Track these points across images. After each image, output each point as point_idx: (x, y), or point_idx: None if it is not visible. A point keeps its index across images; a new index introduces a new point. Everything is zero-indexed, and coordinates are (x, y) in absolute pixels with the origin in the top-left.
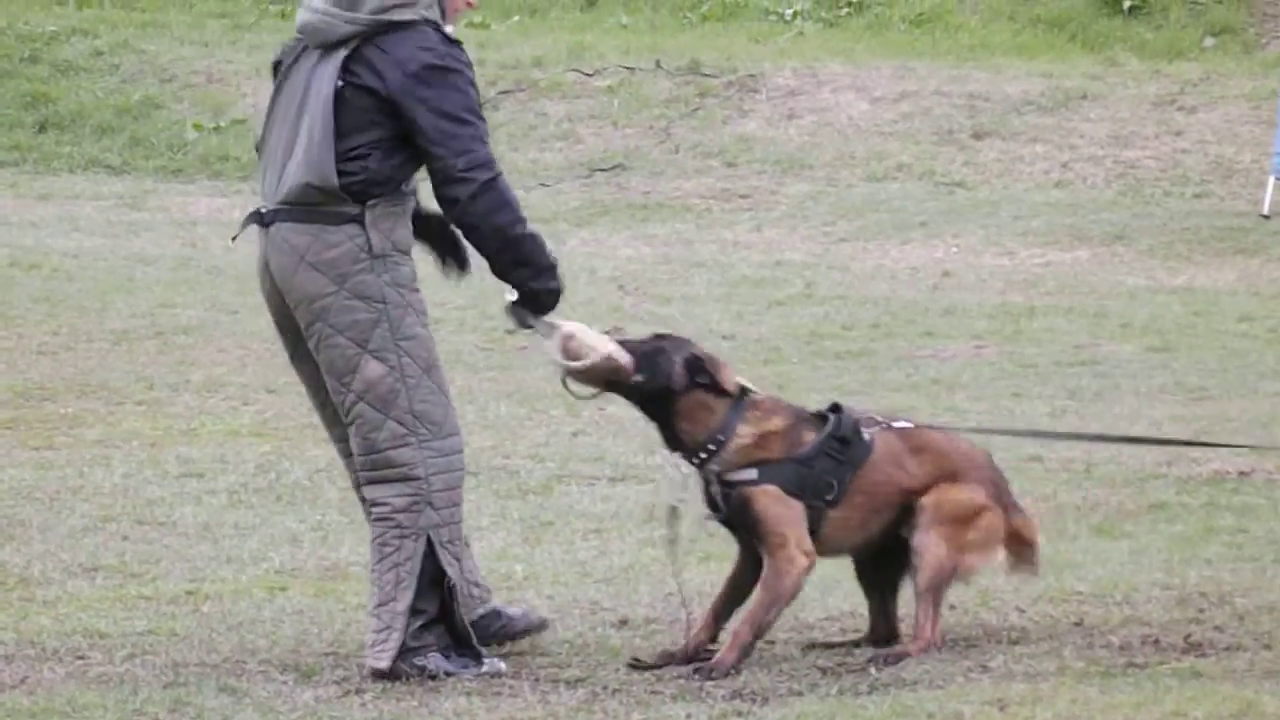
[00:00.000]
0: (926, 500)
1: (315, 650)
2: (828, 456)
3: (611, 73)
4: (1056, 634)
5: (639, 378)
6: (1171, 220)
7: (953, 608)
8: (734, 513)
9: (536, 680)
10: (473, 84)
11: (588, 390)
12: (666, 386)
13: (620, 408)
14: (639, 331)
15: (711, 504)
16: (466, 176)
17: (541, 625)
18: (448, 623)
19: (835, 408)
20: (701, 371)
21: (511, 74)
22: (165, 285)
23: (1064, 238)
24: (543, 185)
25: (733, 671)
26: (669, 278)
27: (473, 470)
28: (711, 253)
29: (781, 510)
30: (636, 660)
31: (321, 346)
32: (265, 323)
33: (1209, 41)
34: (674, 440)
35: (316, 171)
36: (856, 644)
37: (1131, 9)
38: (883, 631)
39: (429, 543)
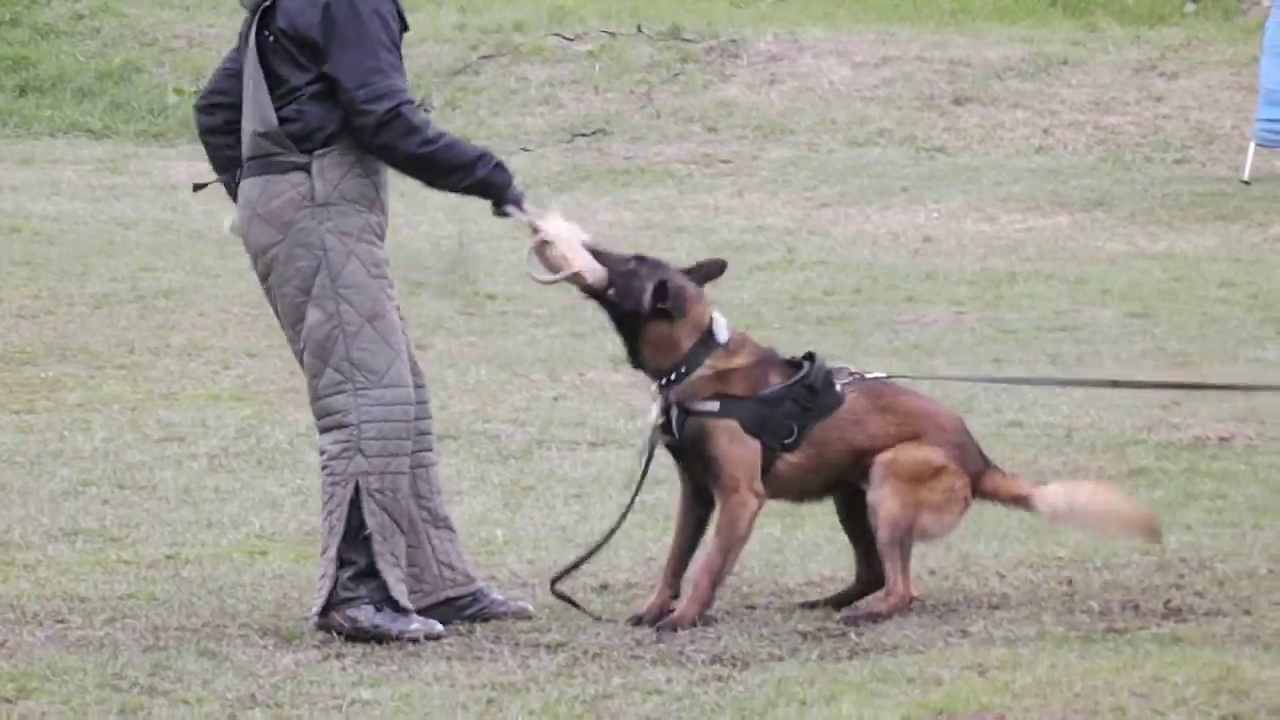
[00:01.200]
0: (882, 457)
1: (295, 615)
2: (793, 401)
3: (593, 37)
4: (1036, 599)
5: (609, 293)
6: (1152, 186)
7: (933, 573)
8: (688, 441)
9: (517, 645)
10: (381, 15)
11: (549, 277)
12: (634, 309)
13: (600, 374)
14: None
15: (667, 427)
16: (366, 109)
17: (523, 615)
18: (374, 574)
19: (810, 356)
20: (668, 298)
21: (492, 38)
22: (146, 249)
23: (1045, 203)
24: (524, 150)
25: (696, 623)
26: (650, 243)
27: (453, 434)
28: (693, 218)
29: (738, 450)
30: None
31: (275, 297)
32: (246, 286)
33: (1190, 7)
34: (637, 360)
35: (260, 118)
36: (847, 594)
37: None
38: (867, 578)
39: (355, 489)
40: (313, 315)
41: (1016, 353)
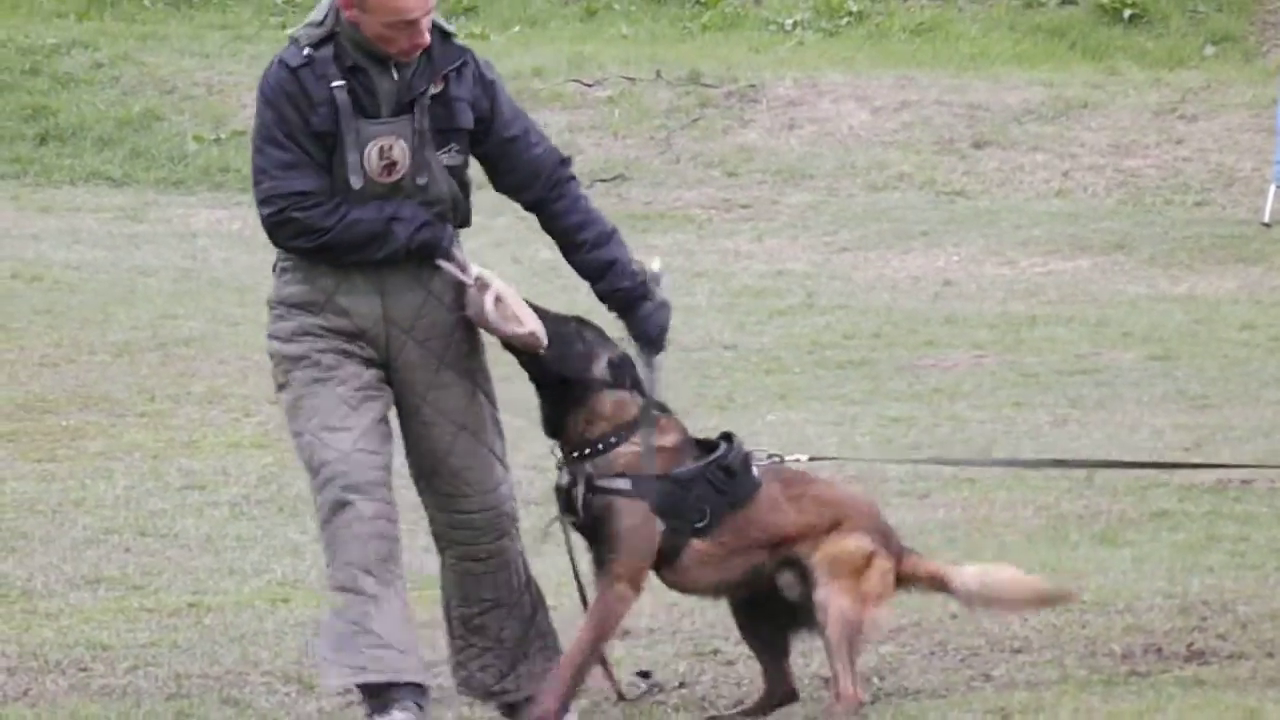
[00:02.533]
0: (820, 555)
1: (317, 662)
2: (707, 483)
3: (612, 83)
4: (1059, 643)
5: (548, 355)
6: (1173, 229)
7: (954, 617)
8: (594, 519)
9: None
10: (274, 104)
11: (508, 330)
12: (576, 376)
13: None
14: None
15: (569, 507)
16: (259, 212)
17: None
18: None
19: (726, 436)
20: (625, 374)
21: (511, 85)
22: (167, 297)
23: (1065, 246)
24: None
25: (558, 717)
26: (670, 288)
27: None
28: (713, 263)
29: (639, 539)
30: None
31: None
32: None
33: (1209, 50)
34: (557, 428)
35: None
36: (760, 705)
37: (1132, 18)
38: (780, 691)
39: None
40: (283, 400)
41: (1037, 396)
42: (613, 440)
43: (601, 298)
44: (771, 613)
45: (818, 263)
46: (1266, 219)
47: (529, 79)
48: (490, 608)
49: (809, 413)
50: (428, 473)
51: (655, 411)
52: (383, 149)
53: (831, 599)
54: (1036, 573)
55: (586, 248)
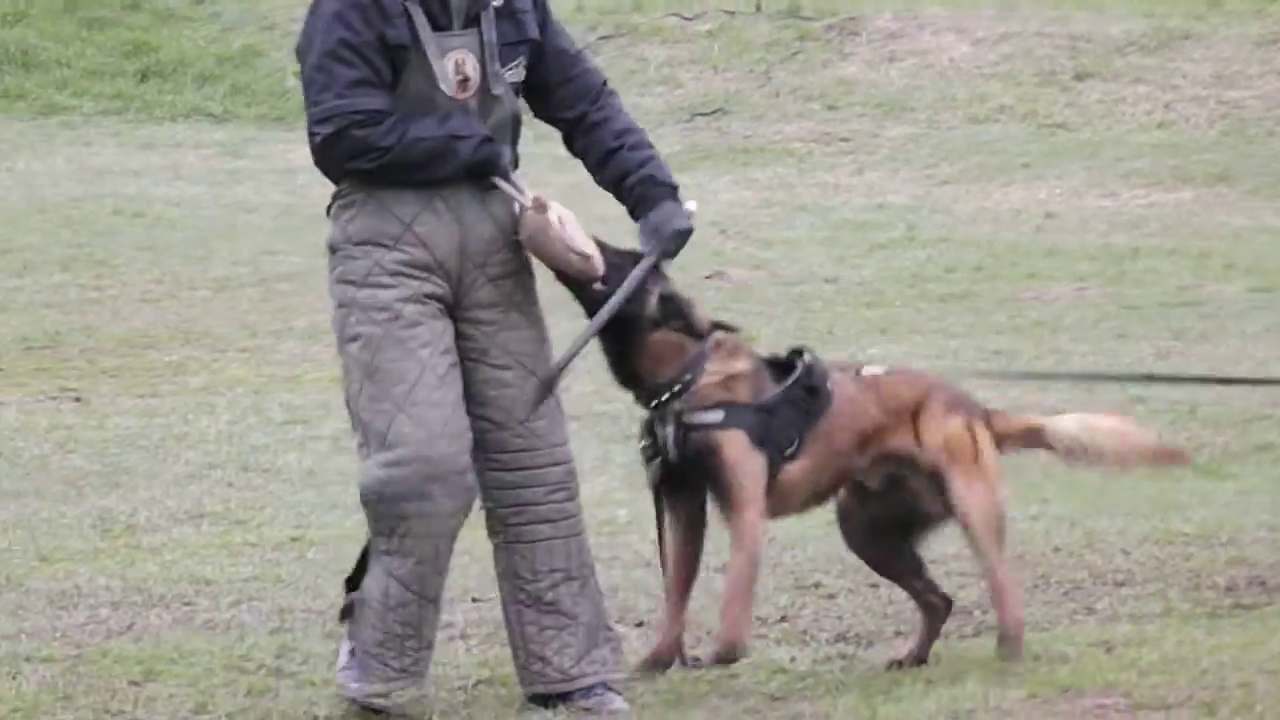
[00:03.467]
0: (933, 451)
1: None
2: (791, 405)
3: (711, 17)
4: (1162, 575)
5: (600, 287)
6: (1275, 160)
7: (1057, 550)
8: (693, 459)
9: (641, 625)
10: (337, 16)
11: (576, 248)
12: (635, 311)
13: None
14: (741, 276)
15: (655, 449)
16: (310, 132)
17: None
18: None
19: (798, 352)
20: (677, 312)
21: (610, 19)
22: (267, 233)
23: (1167, 178)
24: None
25: (747, 650)
26: (771, 222)
27: (575, 415)
28: (813, 196)
29: (748, 464)
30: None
31: None
32: None
33: None
34: (628, 377)
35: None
36: (926, 638)
37: None
38: (940, 608)
39: (363, 553)
40: (342, 372)
41: (1140, 329)
42: (687, 377)
43: (632, 190)
44: (887, 533)
45: (918, 196)
46: None
47: (629, 13)
48: (563, 579)
49: (910, 346)
50: (497, 425)
51: (720, 334)
52: (457, 63)
53: (965, 495)
54: (1141, 507)
55: (628, 147)
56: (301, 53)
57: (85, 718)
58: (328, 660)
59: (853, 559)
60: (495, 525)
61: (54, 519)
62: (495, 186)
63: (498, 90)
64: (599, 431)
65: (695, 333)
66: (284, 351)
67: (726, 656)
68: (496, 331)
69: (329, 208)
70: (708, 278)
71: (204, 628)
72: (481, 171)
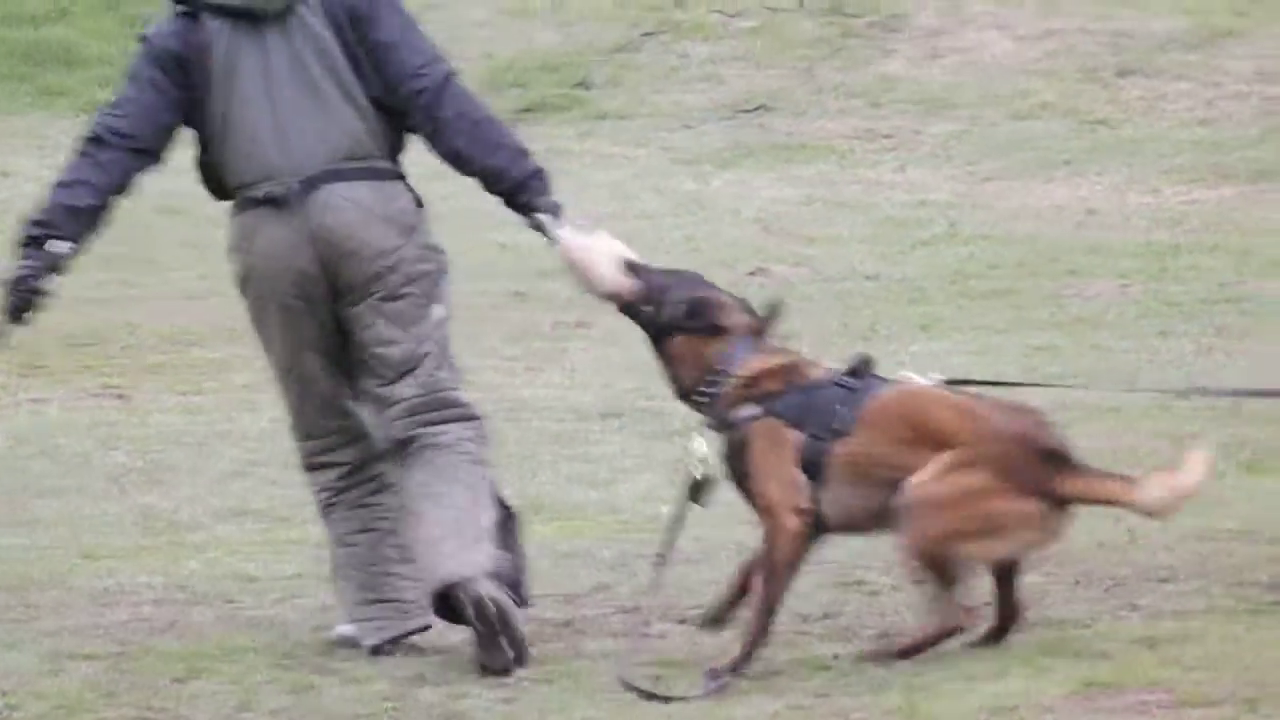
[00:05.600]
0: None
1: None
2: (836, 386)
3: (754, 13)
4: (1205, 572)
5: (646, 308)
6: None
7: (1100, 546)
8: (733, 458)
9: (683, 621)
10: None
11: (600, 288)
12: (667, 323)
13: None
14: (783, 272)
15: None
16: (443, 73)
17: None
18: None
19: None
20: (701, 315)
21: (654, 15)
22: None
23: (1209, 175)
24: (686, 127)
25: (749, 662)
26: (813, 218)
27: (616, 413)
28: (855, 193)
29: (772, 458)
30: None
31: (389, 299)
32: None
33: None
34: (679, 389)
35: (354, 129)
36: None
37: None
38: (1008, 615)
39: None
40: (436, 313)
41: (1181, 325)
42: (720, 374)
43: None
44: None
45: (960, 192)
46: None
47: (670, 10)
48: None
49: (952, 343)
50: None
51: (758, 338)
52: None
53: (908, 534)
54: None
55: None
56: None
57: (128, 715)
58: (371, 657)
59: (895, 555)
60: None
61: (96, 516)
62: (540, 225)
63: None
64: (641, 429)
65: (722, 334)
66: None
67: (719, 674)
68: None
69: (398, 175)
70: (750, 274)
71: (247, 625)
72: (519, 209)
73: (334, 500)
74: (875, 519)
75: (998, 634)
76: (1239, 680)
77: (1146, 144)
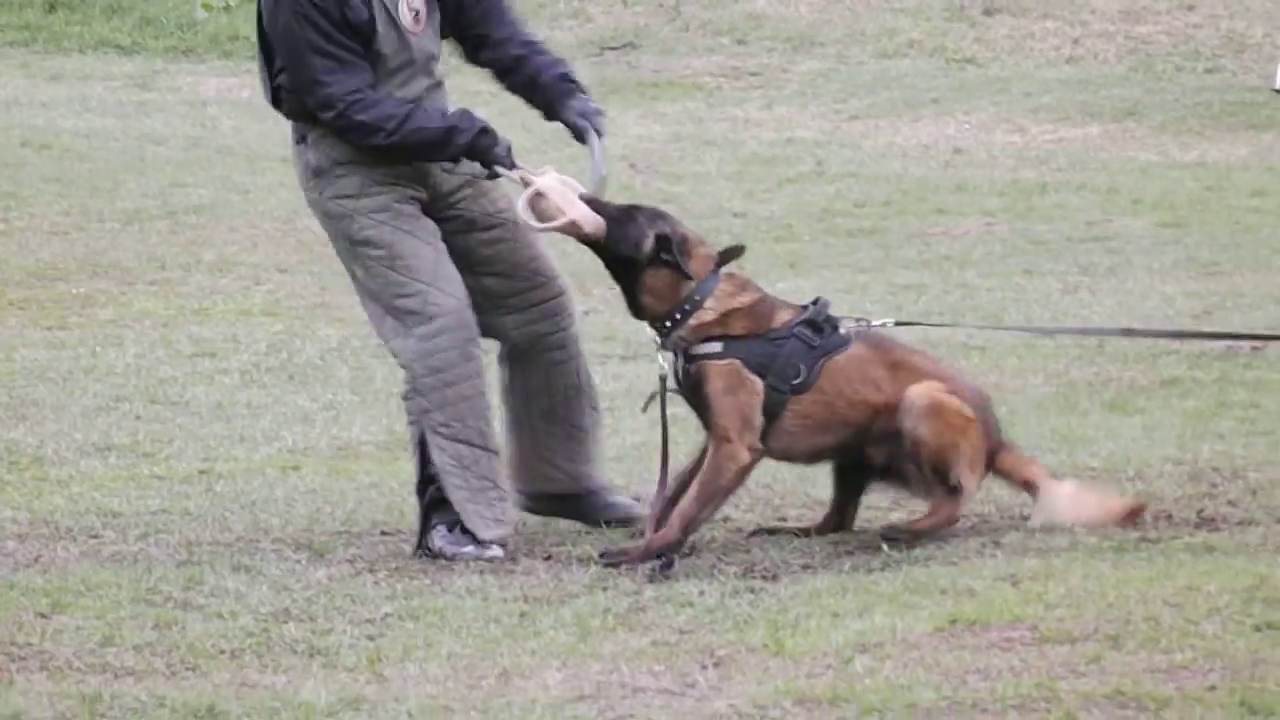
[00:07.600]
0: (916, 399)
1: (328, 529)
2: (796, 339)
3: None
4: None
5: (606, 242)
6: (1183, 95)
7: None
8: (691, 389)
9: (549, 558)
10: (304, 18)
11: (544, 225)
12: (632, 257)
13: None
14: None
15: (676, 378)
16: (319, 115)
17: (632, 518)
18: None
19: (814, 301)
20: (670, 250)
21: None
22: (176, 165)
23: (1075, 114)
24: None
25: (647, 558)
26: (680, 156)
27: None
28: (722, 131)
29: (734, 397)
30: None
31: None
32: (276, 202)
33: None
34: (637, 309)
35: (267, 97)
36: (818, 529)
37: None
38: (838, 523)
39: (421, 429)
40: (354, 272)
41: (1047, 264)
42: (686, 308)
43: (547, 88)
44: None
45: (827, 130)
46: (1277, 85)
47: None
48: (575, 395)
49: (819, 280)
50: (501, 275)
51: (724, 270)
52: (409, 3)
53: (922, 430)
54: (1048, 442)
55: (534, 53)
56: (279, 47)
57: None
58: (235, 593)
59: (761, 493)
60: (513, 356)
61: None
62: (496, 175)
63: (433, 20)
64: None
65: (686, 270)
66: (192, 284)
67: (614, 560)
68: (476, 197)
69: (300, 138)
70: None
71: (111, 560)
72: (477, 160)
73: None
74: (812, 457)
75: (822, 530)
76: (1101, 617)
77: (1013, 83)
